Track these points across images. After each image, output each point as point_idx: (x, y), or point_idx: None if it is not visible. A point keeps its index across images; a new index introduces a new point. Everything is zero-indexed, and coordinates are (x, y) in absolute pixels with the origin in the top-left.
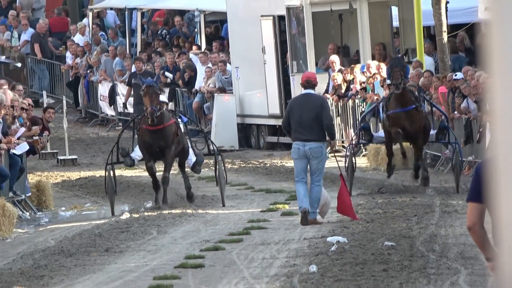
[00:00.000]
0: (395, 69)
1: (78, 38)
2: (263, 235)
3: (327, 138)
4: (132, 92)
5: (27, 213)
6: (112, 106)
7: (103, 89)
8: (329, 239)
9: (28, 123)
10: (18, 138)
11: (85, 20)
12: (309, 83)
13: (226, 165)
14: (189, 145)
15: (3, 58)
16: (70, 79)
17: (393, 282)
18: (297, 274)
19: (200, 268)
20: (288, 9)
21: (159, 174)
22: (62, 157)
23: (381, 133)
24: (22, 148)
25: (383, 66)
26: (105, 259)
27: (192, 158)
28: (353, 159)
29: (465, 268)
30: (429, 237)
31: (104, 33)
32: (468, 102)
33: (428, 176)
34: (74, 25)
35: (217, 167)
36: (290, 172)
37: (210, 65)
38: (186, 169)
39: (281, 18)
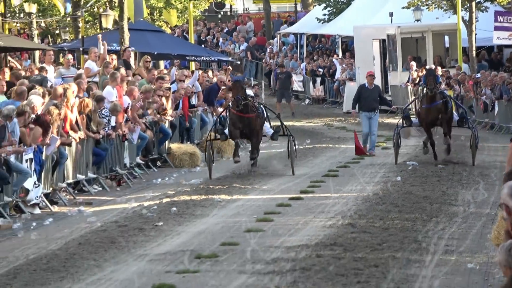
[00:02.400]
0: (428, 78)
1: (271, 49)
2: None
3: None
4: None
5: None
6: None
7: None
8: (408, 162)
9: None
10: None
11: (275, 39)
12: (372, 76)
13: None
14: (268, 122)
15: (230, 58)
16: (266, 71)
17: (452, 186)
18: (389, 181)
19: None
20: (388, 35)
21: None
22: None
23: (416, 120)
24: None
25: (439, 69)
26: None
27: (270, 130)
28: (399, 138)
29: (483, 180)
30: (458, 171)
31: (285, 47)
32: (485, 89)
33: (450, 147)
34: (269, 41)
35: (289, 145)
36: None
37: (344, 65)
38: (264, 137)
39: (383, 40)
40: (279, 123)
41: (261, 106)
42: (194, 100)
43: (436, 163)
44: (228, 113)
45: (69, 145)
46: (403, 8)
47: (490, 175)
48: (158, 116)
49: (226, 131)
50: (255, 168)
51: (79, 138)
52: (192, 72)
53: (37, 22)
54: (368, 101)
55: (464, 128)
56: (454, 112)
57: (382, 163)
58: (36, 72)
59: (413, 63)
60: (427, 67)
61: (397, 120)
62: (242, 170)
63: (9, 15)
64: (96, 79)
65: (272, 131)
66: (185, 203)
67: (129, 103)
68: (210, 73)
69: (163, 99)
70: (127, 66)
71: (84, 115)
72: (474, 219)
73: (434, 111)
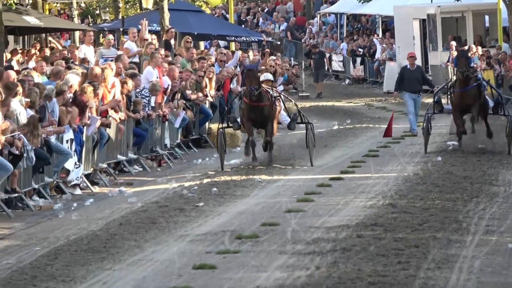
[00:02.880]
0: (461, 59)
1: (310, 29)
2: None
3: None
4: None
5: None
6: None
7: None
8: (448, 143)
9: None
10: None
11: (315, 19)
12: (412, 57)
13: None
14: (285, 110)
15: (270, 38)
16: (306, 51)
17: (492, 166)
18: (430, 161)
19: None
20: (428, 15)
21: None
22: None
23: (449, 106)
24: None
25: (479, 49)
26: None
27: (287, 118)
28: (429, 124)
29: None
30: (498, 151)
31: (325, 27)
32: None
33: (491, 132)
34: (309, 21)
35: (308, 133)
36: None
37: (384, 45)
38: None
39: (423, 20)
40: (297, 111)
41: (276, 92)
42: (234, 83)
43: (476, 145)
44: (240, 102)
45: (109, 125)
46: None
47: None
48: (200, 95)
49: (239, 119)
50: (271, 154)
51: (120, 118)
52: (233, 52)
53: (77, 3)
54: (411, 82)
55: (499, 115)
56: (488, 98)
57: (423, 143)
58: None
59: (453, 43)
60: (460, 48)
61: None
62: (282, 151)
63: None
64: (136, 59)
65: (289, 119)
66: (225, 183)
67: (168, 84)
68: (250, 53)
69: (206, 79)
70: (168, 46)
71: (124, 96)
72: None
73: (467, 96)
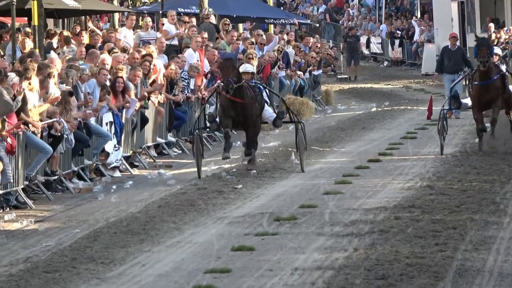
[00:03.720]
0: (482, 48)
1: (348, 11)
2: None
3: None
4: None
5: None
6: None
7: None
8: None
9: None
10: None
11: (354, 1)
12: (454, 38)
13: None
14: (270, 105)
15: (309, 21)
16: (345, 33)
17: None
18: (467, 143)
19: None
20: None
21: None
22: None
23: (468, 100)
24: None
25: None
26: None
27: (272, 114)
28: (445, 122)
29: None
30: None
31: (364, 9)
32: None
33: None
34: (347, 3)
35: (298, 134)
36: None
37: (422, 27)
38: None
39: (462, 2)
40: (284, 108)
41: (261, 87)
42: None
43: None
44: (218, 97)
45: (146, 107)
46: None
47: None
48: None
49: (218, 119)
50: (252, 166)
51: (159, 101)
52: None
53: None
54: (451, 63)
55: None
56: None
57: (461, 125)
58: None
59: (491, 25)
60: (479, 35)
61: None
62: (320, 133)
63: None
64: (175, 41)
65: (275, 115)
66: (263, 165)
67: (210, 68)
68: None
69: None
70: (218, 30)
71: (164, 78)
72: None
73: (488, 89)
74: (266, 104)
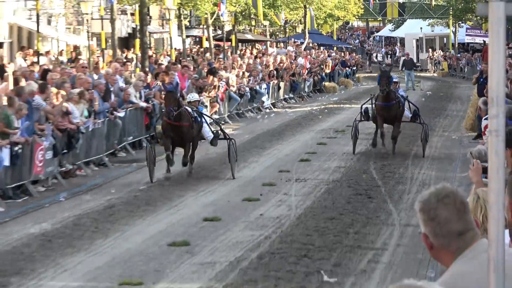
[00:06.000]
0: (382, 79)
1: None
2: None
3: None
4: None
5: None
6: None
7: None
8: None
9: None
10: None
11: None
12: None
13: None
14: (207, 125)
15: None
16: None
17: None
18: None
19: None
20: None
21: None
22: None
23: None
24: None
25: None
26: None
27: (210, 134)
28: (357, 130)
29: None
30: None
31: None
32: None
33: (396, 140)
34: None
35: (230, 149)
36: None
37: None
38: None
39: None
40: (218, 128)
41: (198, 112)
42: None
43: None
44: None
45: None
46: None
47: None
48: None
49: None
50: (191, 167)
51: None
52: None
53: None
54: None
55: (415, 123)
56: (406, 109)
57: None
58: None
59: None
60: (382, 68)
61: None
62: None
63: None
64: None
65: (212, 135)
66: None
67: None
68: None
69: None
70: None
71: None
72: None
73: (388, 109)
74: (205, 125)
